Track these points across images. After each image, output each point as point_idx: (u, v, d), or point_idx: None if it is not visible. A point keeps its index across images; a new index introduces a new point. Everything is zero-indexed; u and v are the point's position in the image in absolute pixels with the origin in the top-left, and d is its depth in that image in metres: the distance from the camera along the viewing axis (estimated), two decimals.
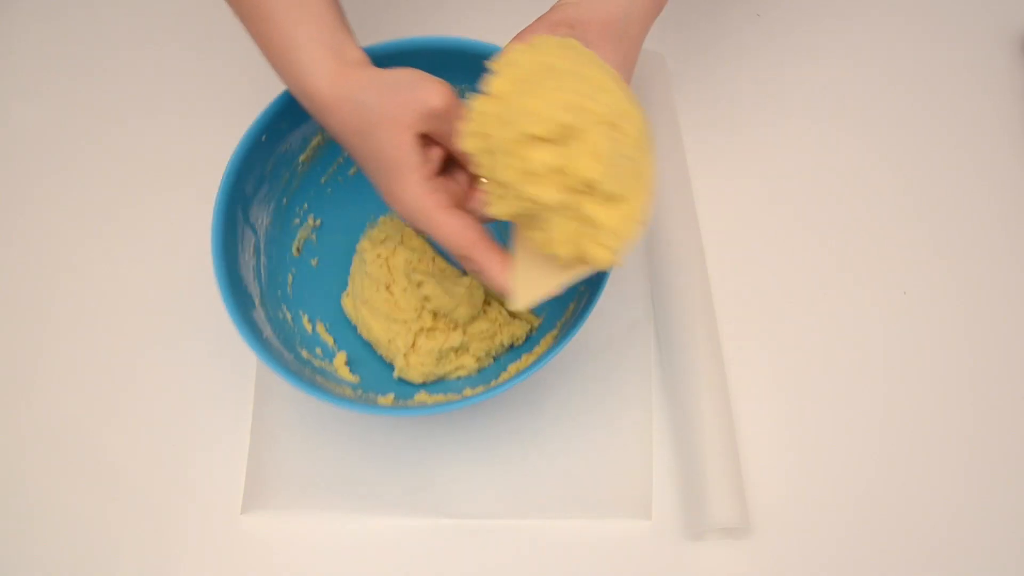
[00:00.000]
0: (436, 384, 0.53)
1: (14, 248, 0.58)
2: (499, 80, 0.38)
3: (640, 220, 0.38)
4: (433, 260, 0.54)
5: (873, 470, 0.52)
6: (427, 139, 0.41)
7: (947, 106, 0.62)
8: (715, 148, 0.61)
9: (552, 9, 0.44)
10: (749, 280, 0.57)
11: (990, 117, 0.62)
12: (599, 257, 0.37)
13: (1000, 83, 0.63)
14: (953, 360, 0.55)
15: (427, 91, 0.39)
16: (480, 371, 0.53)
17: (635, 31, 0.44)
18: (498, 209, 0.38)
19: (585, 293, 0.48)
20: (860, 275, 0.57)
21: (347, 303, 0.54)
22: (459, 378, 0.53)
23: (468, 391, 0.51)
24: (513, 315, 0.54)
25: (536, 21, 0.43)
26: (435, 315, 0.52)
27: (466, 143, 0.38)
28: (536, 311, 0.54)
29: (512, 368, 0.52)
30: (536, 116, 0.36)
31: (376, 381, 0.52)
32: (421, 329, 0.52)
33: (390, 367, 0.53)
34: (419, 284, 0.52)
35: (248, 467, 0.51)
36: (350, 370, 0.51)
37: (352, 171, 0.55)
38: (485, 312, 0.53)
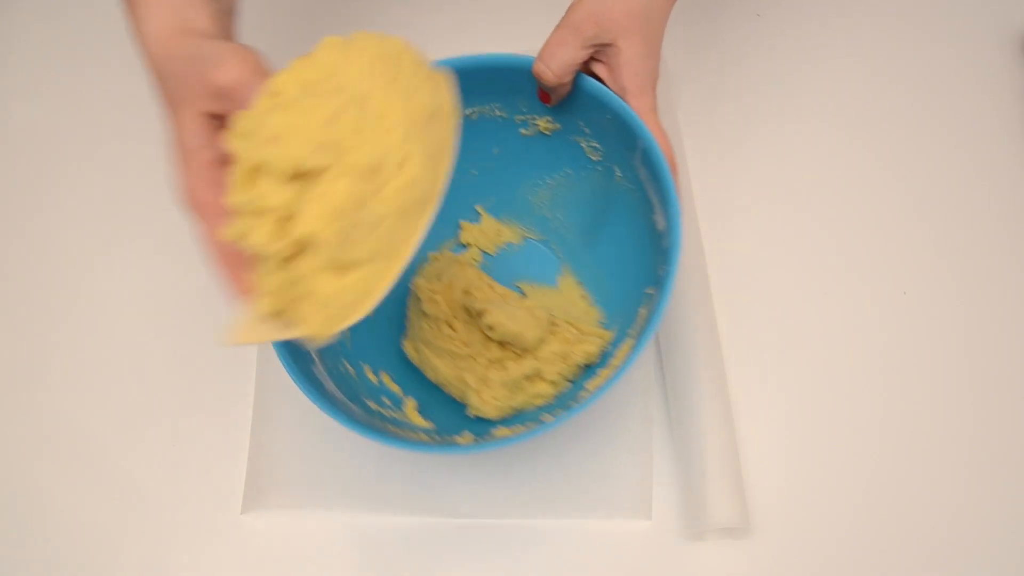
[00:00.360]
0: (514, 418, 0.50)
1: (14, 247, 0.58)
2: (284, 77, 0.32)
3: (372, 299, 0.31)
4: (491, 287, 0.52)
5: (873, 470, 0.51)
6: (217, 120, 0.36)
7: (947, 106, 0.62)
8: (715, 148, 0.61)
9: (574, 6, 0.45)
10: (749, 280, 0.57)
11: (990, 117, 0.62)
12: (306, 324, 0.31)
13: (1000, 83, 0.63)
14: (953, 360, 0.55)
15: (217, 66, 0.34)
16: (557, 396, 0.50)
17: (657, 19, 0.45)
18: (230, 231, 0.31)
19: (653, 296, 0.45)
20: (860, 275, 0.57)
21: (408, 347, 0.52)
22: (537, 408, 0.50)
23: (546, 417, 0.47)
24: (584, 331, 0.51)
25: (561, 25, 0.44)
26: (502, 345, 0.50)
27: (230, 141, 0.32)
28: (606, 325, 0.52)
29: (590, 385, 0.48)
30: (279, 142, 0.30)
31: (451, 423, 0.49)
32: (490, 361, 0.49)
33: (463, 407, 0.50)
34: (480, 314, 0.49)
35: (248, 467, 0.51)
36: (422, 416, 0.49)
37: None
38: (554, 332, 0.50)
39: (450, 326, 0.50)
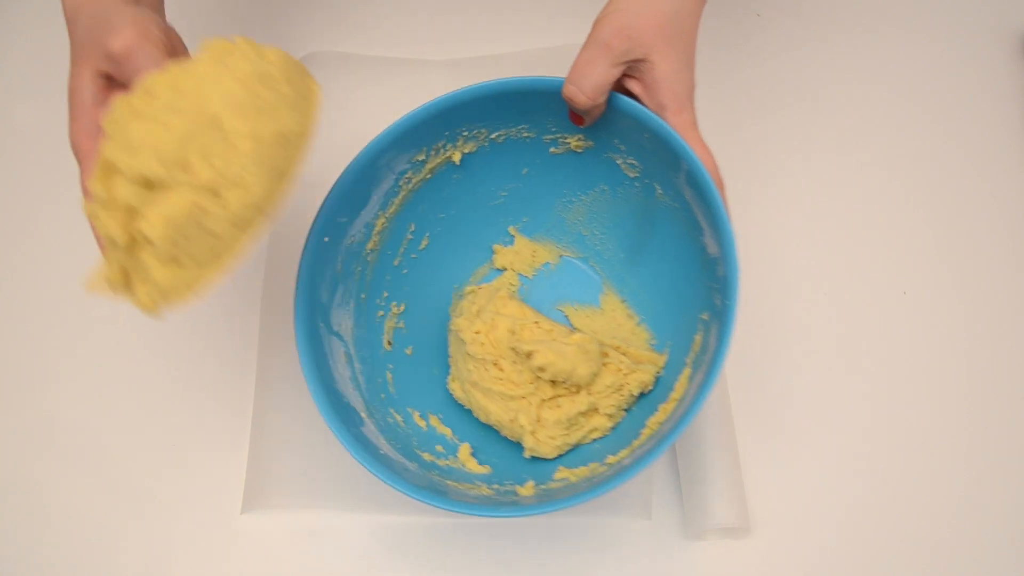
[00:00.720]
0: (572, 453, 0.49)
1: (15, 247, 0.58)
2: (160, 79, 0.34)
3: (195, 291, 0.35)
4: (537, 324, 0.50)
5: (873, 470, 0.51)
6: (112, 81, 0.39)
7: (947, 106, 0.62)
8: (715, 147, 0.61)
9: (600, 21, 0.43)
10: (749, 279, 0.57)
11: (990, 117, 0.62)
12: (139, 301, 0.36)
13: (1000, 83, 0.63)
14: (954, 360, 0.55)
15: (113, 32, 0.37)
16: (614, 428, 0.49)
17: (688, 25, 0.43)
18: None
19: (712, 323, 0.44)
20: (860, 275, 0.57)
21: (455, 388, 0.51)
22: (594, 440, 0.49)
23: (611, 458, 0.46)
24: (636, 358, 0.50)
25: (589, 43, 0.43)
26: (554, 383, 0.48)
27: (105, 127, 0.35)
28: (657, 347, 0.51)
29: (652, 423, 0.46)
30: (132, 150, 0.33)
31: (508, 466, 0.48)
32: (543, 401, 0.48)
33: (518, 446, 0.49)
34: (529, 355, 0.47)
35: (248, 467, 0.51)
36: (478, 461, 0.48)
37: (423, 243, 0.52)
38: (606, 364, 0.49)
39: (498, 366, 0.48)
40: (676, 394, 0.46)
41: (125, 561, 0.49)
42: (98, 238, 0.38)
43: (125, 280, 0.37)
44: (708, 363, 0.42)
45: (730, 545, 0.49)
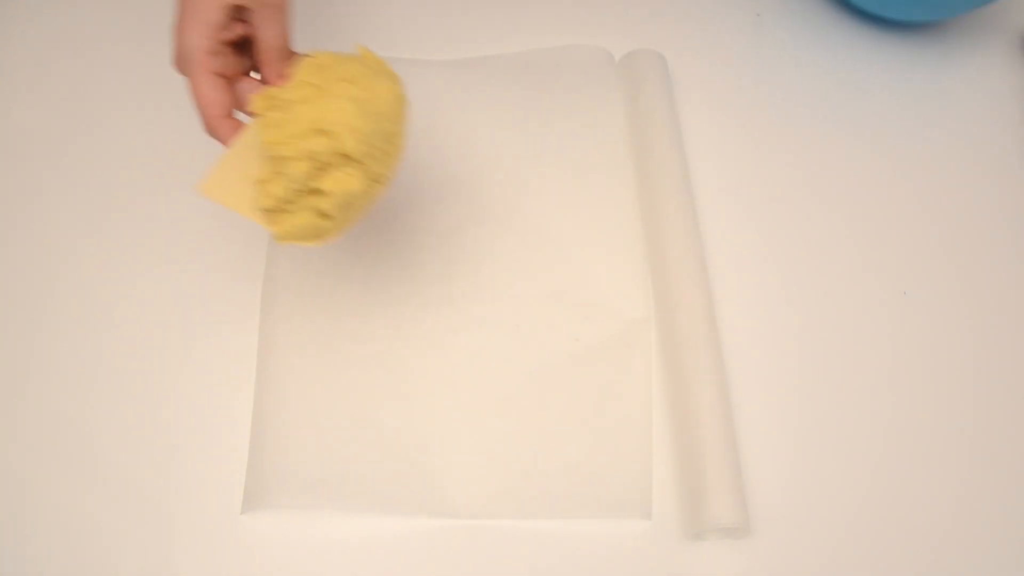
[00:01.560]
0: None
1: (13, 245, 0.57)
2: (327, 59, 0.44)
3: (331, 238, 0.44)
4: None
5: (874, 470, 0.51)
6: (240, 13, 0.43)
7: (947, 106, 0.63)
8: (715, 147, 0.61)
9: None
10: (750, 279, 0.57)
11: (990, 117, 0.62)
12: (278, 227, 0.43)
13: (1000, 83, 0.63)
14: (954, 360, 0.55)
15: None
16: None
17: None
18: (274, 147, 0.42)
19: None
20: (860, 275, 0.57)
21: None
22: None
23: None
24: None
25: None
26: None
27: (255, 103, 0.43)
28: None
29: None
30: (344, 126, 0.41)
31: None
32: None
33: None
34: None
35: (248, 466, 0.51)
36: None
37: None
38: None
39: None
40: None
41: (121, 563, 0.49)
42: (218, 128, 0.44)
43: (274, 210, 0.43)
44: None
45: (730, 545, 0.49)
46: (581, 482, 0.50)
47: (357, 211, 0.44)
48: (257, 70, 0.46)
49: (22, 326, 0.55)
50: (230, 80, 0.45)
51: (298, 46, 0.55)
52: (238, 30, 0.44)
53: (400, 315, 0.54)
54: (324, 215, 0.42)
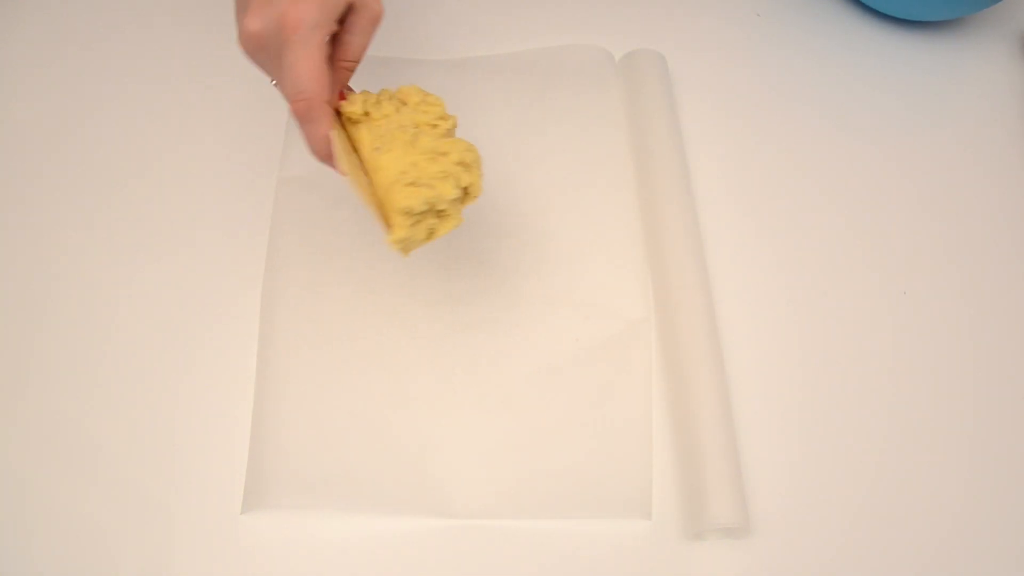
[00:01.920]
0: None
1: (13, 246, 0.57)
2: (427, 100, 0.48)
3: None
4: None
5: (874, 470, 0.51)
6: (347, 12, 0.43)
7: (947, 105, 0.63)
8: (715, 146, 0.61)
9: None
10: (750, 279, 0.57)
11: (990, 117, 0.62)
12: (395, 230, 0.44)
13: (1000, 83, 0.63)
14: (954, 360, 0.55)
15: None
16: None
17: None
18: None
19: None
20: (860, 275, 0.57)
21: None
22: None
23: None
24: None
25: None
26: None
27: (355, 104, 0.45)
28: None
29: None
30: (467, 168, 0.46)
31: None
32: None
33: None
34: None
35: (248, 466, 0.51)
36: None
37: None
38: None
39: None
40: None
41: (120, 563, 0.49)
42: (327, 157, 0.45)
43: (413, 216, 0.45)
44: None
45: (730, 545, 0.49)
46: (581, 482, 0.50)
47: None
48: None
49: (22, 326, 0.55)
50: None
51: None
52: (335, 28, 0.43)
53: (399, 315, 0.54)
54: (430, 234, 0.45)
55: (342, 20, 0.44)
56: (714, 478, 0.48)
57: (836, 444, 0.52)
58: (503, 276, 0.56)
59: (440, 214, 0.45)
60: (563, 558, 0.49)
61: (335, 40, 0.45)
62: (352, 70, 0.46)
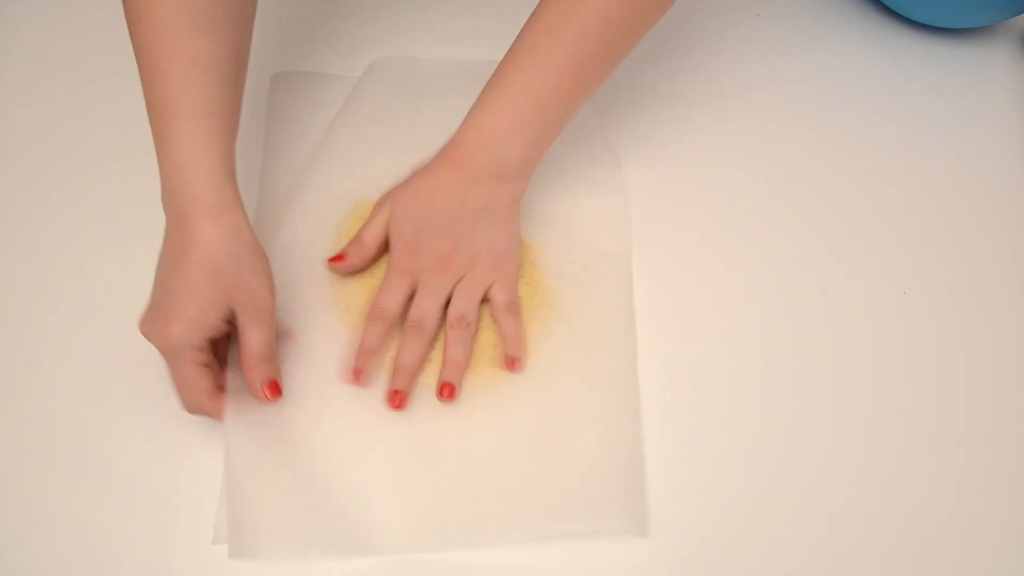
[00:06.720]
0: None
1: (9, 250, 0.57)
2: None
3: None
4: None
5: (874, 470, 0.51)
6: (231, 315, 0.45)
7: (947, 105, 0.63)
8: (715, 146, 0.61)
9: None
10: (751, 279, 0.57)
11: (990, 117, 0.62)
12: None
13: (1000, 83, 0.63)
14: (953, 360, 0.55)
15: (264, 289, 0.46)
16: None
17: None
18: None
19: None
20: (859, 275, 0.57)
21: None
22: None
23: None
24: None
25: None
26: None
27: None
28: None
29: None
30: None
31: None
32: None
33: None
34: None
35: (227, 523, 0.48)
36: None
37: None
38: None
39: None
40: None
41: (123, 560, 0.49)
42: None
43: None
44: None
45: (732, 550, 0.49)
46: (540, 501, 0.48)
47: None
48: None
49: (21, 328, 0.55)
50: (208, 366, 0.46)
51: (299, 45, 0.56)
52: (224, 329, 0.46)
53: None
54: None
55: (233, 321, 0.46)
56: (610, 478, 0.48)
57: (837, 444, 0.52)
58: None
59: None
60: (562, 559, 0.49)
61: (239, 340, 0.46)
62: (262, 363, 0.46)
